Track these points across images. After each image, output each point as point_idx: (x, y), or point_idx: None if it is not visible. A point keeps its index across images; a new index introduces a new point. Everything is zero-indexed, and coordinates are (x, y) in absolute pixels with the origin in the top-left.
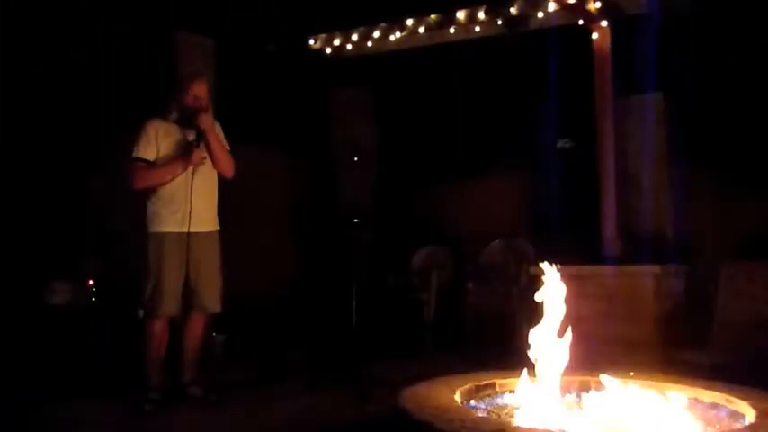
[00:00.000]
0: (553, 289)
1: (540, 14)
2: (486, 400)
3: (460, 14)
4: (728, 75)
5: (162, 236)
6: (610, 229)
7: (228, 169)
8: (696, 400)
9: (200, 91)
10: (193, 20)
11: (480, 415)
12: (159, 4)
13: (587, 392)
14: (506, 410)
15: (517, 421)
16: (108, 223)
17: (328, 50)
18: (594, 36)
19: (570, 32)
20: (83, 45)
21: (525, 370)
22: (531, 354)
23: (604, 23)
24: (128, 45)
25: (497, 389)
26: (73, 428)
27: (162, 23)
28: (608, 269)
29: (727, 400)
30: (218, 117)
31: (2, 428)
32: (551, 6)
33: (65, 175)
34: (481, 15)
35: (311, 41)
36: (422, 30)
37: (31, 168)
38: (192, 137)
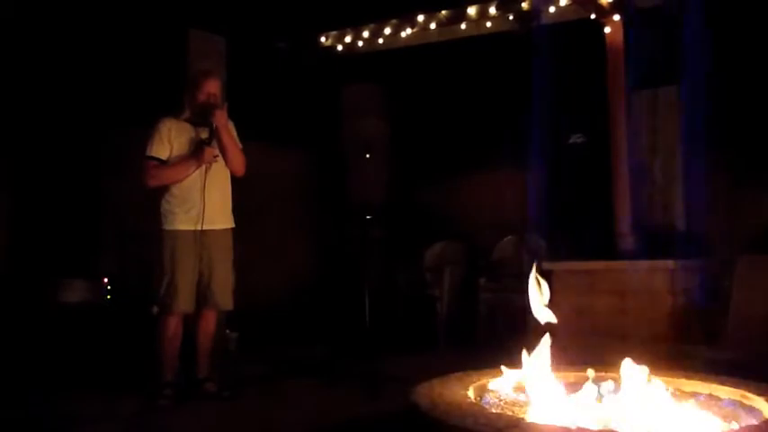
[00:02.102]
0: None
1: (552, 9)
2: (500, 396)
3: (471, 10)
4: (743, 67)
5: (176, 233)
6: (623, 224)
7: (240, 167)
8: (711, 395)
9: (213, 88)
10: (205, 18)
11: (494, 411)
12: (171, 2)
13: (601, 388)
14: (520, 406)
15: (531, 417)
16: (123, 221)
17: (339, 47)
18: (607, 30)
19: (583, 27)
20: (96, 43)
21: (539, 365)
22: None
23: (617, 17)
24: (141, 44)
25: (511, 385)
26: (88, 425)
27: (175, 22)
28: (622, 264)
29: (743, 396)
30: (231, 115)
31: (18, 425)
32: (563, 1)
33: (79, 174)
34: (492, 11)
35: (322, 39)
36: (433, 26)
37: (45, 166)
38: (204, 135)
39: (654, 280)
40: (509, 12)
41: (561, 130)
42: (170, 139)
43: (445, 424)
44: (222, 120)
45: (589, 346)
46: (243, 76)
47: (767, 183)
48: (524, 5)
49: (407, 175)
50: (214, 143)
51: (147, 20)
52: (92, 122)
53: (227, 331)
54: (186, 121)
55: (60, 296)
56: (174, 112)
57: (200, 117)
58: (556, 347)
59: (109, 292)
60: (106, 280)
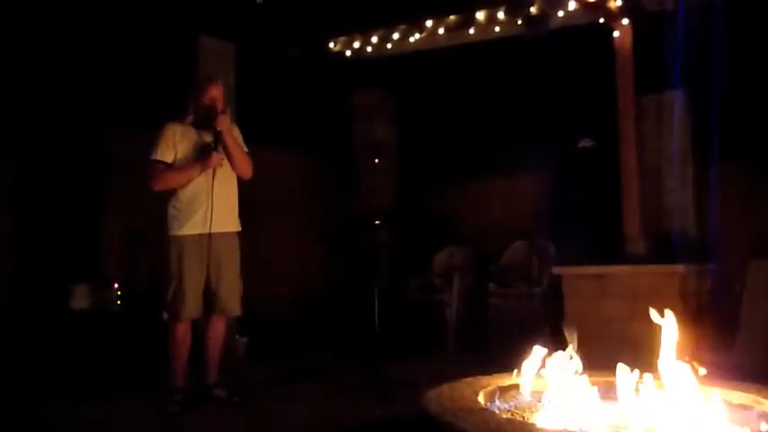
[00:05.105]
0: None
1: (561, 13)
2: (510, 401)
3: (480, 15)
4: (753, 70)
5: (182, 239)
6: (633, 228)
7: (246, 171)
8: (724, 401)
9: (216, 93)
10: (215, 24)
11: (504, 416)
12: (182, 8)
13: (612, 393)
14: (531, 411)
15: (541, 423)
16: (133, 226)
17: (348, 53)
18: (616, 34)
19: (591, 31)
20: (106, 48)
21: (549, 370)
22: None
23: (626, 21)
24: (152, 49)
25: (521, 390)
26: (98, 430)
27: (185, 28)
28: (632, 269)
29: (756, 401)
30: (239, 120)
31: (28, 430)
32: (572, 5)
33: (87, 178)
34: (501, 15)
35: (331, 44)
36: (441, 31)
37: (52, 170)
38: (209, 139)
39: (664, 284)
40: (517, 16)
41: (570, 135)
42: (175, 143)
43: (455, 428)
44: (225, 124)
45: (599, 350)
46: (252, 82)
47: None
48: (533, 10)
49: (416, 179)
50: (219, 147)
51: (158, 25)
52: (100, 126)
53: (237, 336)
54: (191, 125)
55: (70, 302)
56: (179, 117)
57: (204, 121)
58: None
59: (119, 297)
60: (116, 286)
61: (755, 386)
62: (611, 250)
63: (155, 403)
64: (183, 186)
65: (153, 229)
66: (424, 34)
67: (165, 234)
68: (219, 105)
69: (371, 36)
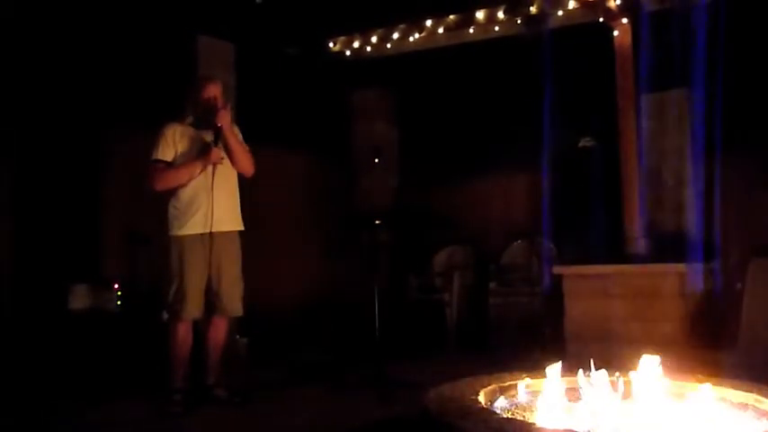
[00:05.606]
0: None
1: (560, 13)
2: (510, 400)
3: (480, 14)
4: (753, 68)
5: (183, 239)
6: (634, 227)
7: (248, 167)
8: (724, 400)
9: (214, 92)
10: (214, 24)
11: (504, 416)
12: (181, 9)
13: (612, 393)
14: (531, 411)
15: (541, 422)
16: (132, 226)
17: (348, 53)
18: (615, 33)
19: (591, 30)
20: (105, 48)
21: (550, 370)
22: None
23: (625, 21)
24: (151, 49)
25: (521, 389)
26: (98, 430)
27: (184, 28)
28: (632, 268)
29: (756, 401)
30: (239, 120)
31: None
32: (571, 4)
33: (87, 178)
34: (500, 15)
35: (331, 44)
36: (441, 30)
37: (52, 171)
38: (209, 138)
39: (665, 283)
40: (517, 16)
41: (570, 134)
42: (175, 142)
43: (455, 428)
44: (226, 120)
45: (599, 350)
46: (252, 82)
47: None
48: (532, 9)
49: (416, 179)
50: (219, 144)
51: (158, 25)
52: (100, 126)
53: (237, 336)
54: (189, 125)
55: (70, 302)
56: (179, 117)
57: (204, 119)
58: (567, 352)
59: (119, 297)
60: (116, 286)
61: (756, 386)
62: (612, 250)
63: (155, 404)
64: (183, 186)
65: (153, 229)
66: (423, 34)
67: (165, 234)
68: (219, 102)
69: (371, 36)
